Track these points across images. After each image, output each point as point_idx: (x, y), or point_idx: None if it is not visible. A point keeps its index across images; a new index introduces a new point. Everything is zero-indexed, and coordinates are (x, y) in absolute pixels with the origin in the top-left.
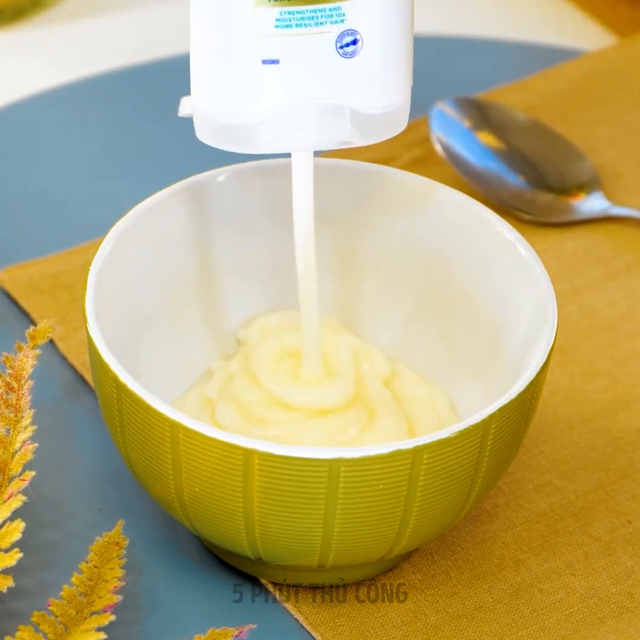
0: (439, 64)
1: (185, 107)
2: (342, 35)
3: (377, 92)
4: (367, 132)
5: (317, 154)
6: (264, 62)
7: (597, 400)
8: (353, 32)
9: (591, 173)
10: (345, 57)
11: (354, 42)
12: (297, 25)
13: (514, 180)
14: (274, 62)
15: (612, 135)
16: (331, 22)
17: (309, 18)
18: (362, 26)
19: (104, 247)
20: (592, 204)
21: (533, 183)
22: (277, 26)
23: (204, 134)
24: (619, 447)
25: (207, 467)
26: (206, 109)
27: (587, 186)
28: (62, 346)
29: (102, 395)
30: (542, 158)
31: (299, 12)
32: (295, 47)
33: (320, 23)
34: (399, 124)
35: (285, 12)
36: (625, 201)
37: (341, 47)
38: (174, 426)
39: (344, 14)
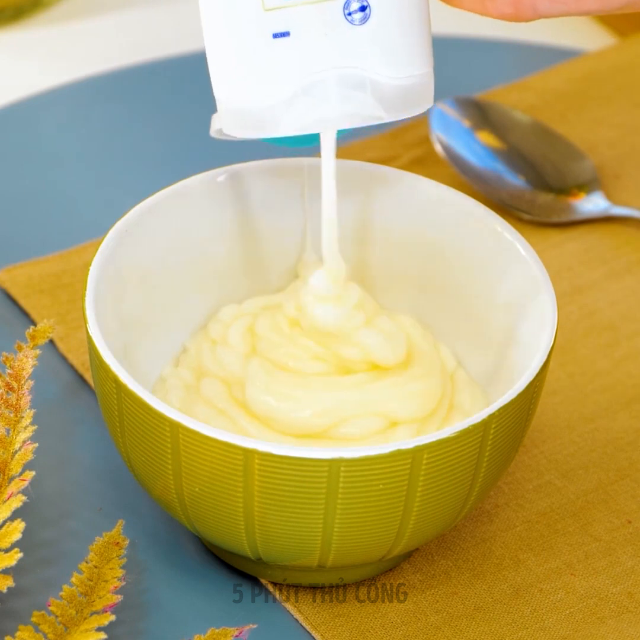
0: (439, 64)
1: (215, 123)
2: (349, 2)
3: (394, 59)
4: (391, 106)
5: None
6: (275, 36)
7: (597, 400)
8: None
9: (591, 173)
10: (354, 24)
11: (362, 8)
12: None
13: (514, 180)
14: (285, 34)
15: (612, 135)
16: None
17: None
18: None
19: (104, 247)
20: (592, 203)
21: (533, 183)
22: None
23: (232, 127)
24: (619, 447)
25: (207, 467)
26: (229, 98)
27: (587, 186)
28: (62, 346)
29: (102, 395)
30: (542, 158)
31: None
32: (303, 17)
33: None
34: (424, 100)
35: None
36: (625, 201)
37: (349, 14)
38: (174, 426)
39: None
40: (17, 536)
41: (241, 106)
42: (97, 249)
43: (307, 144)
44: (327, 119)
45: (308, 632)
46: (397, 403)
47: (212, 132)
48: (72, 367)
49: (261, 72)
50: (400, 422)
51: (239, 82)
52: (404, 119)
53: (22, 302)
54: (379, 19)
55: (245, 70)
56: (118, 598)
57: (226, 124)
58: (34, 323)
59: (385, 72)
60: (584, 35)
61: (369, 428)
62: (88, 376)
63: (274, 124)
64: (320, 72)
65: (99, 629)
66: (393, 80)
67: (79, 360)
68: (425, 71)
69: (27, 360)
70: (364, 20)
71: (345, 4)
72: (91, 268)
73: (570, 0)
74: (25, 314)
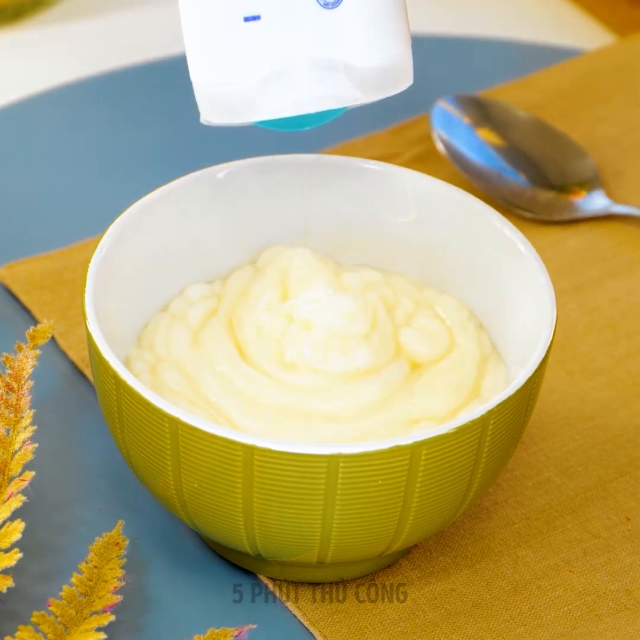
0: (440, 63)
1: None
2: None
3: (367, 41)
4: (367, 87)
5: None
6: (246, 19)
7: (596, 398)
8: None
9: (592, 171)
10: (326, 8)
11: None
12: None
13: (515, 178)
14: (256, 18)
15: (613, 133)
16: None
17: None
18: None
19: (103, 243)
20: (593, 201)
21: (534, 181)
22: None
23: (207, 112)
24: (618, 444)
25: (206, 463)
26: (202, 81)
27: (588, 184)
28: (62, 342)
29: (102, 392)
30: (543, 156)
31: None
32: (274, 0)
33: None
34: (401, 80)
35: None
36: (626, 199)
37: None
38: (173, 422)
39: None
40: (17, 536)
41: (215, 90)
42: (96, 246)
43: (298, 128)
44: (302, 102)
45: (308, 630)
46: (422, 400)
47: (202, 119)
48: (72, 363)
49: (232, 55)
50: (423, 419)
51: (211, 64)
52: (382, 98)
53: (23, 298)
54: (352, 2)
55: (216, 52)
56: (118, 598)
57: (203, 109)
58: (34, 319)
59: (360, 55)
60: (584, 35)
61: (392, 430)
62: (88, 372)
63: (249, 109)
64: (292, 56)
65: (98, 629)
66: (368, 62)
67: (79, 357)
68: (401, 50)
69: (27, 360)
70: (337, 3)
71: None
72: (90, 264)
73: None
74: (26, 310)
